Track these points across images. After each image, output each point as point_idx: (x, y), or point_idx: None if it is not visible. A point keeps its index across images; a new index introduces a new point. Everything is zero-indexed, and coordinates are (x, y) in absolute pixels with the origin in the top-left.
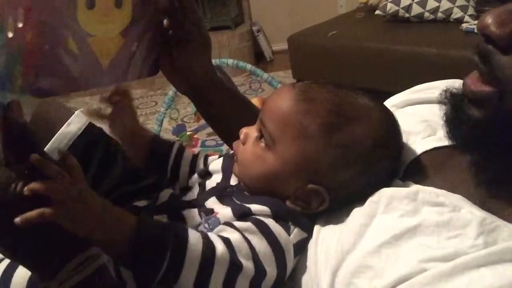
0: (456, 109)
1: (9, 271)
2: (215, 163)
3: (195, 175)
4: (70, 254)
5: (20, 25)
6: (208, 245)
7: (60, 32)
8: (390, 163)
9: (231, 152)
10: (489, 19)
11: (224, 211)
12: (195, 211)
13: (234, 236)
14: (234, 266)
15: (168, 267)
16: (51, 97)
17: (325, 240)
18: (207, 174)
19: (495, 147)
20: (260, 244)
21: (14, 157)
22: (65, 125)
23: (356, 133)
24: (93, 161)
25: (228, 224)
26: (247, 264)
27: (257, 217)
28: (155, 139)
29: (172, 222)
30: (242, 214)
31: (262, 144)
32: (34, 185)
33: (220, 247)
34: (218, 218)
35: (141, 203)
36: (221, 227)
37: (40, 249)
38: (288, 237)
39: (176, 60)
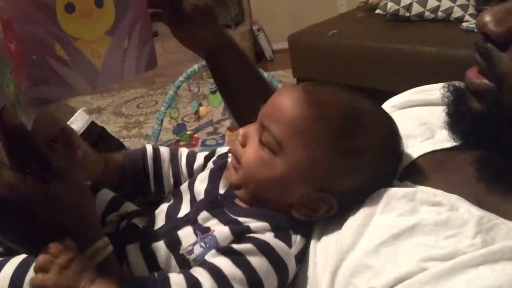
0: (458, 101)
1: (23, 269)
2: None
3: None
4: (82, 246)
5: (2, 37)
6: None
7: (45, 40)
8: (394, 167)
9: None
10: (487, 17)
11: (220, 229)
12: (190, 229)
13: (224, 262)
14: None
15: None
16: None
17: (324, 241)
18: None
19: (493, 140)
20: (260, 263)
21: (17, 159)
22: (67, 123)
23: (366, 139)
24: None
25: (224, 249)
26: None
27: (256, 235)
28: (126, 159)
29: (154, 276)
30: (241, 233)
31: (267, 149)
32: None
33: (207, 284)
34: (215, 236)
35: (141, 222)
36: (214, 252)
37: (46, 243)
38: (290, 250)
39: (186, 33)
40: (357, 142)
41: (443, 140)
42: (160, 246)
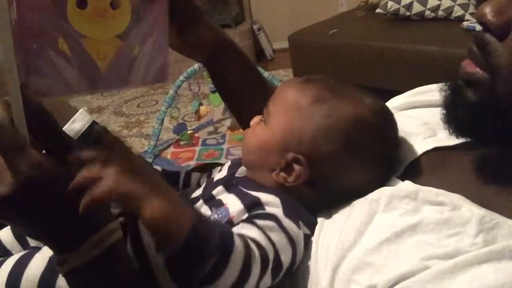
0: (454, 93)
1: (18, 269)
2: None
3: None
4: (94, 228)
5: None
6: (248, 246)
7: (49, 31)
8: (378, 148)
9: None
10: (487, 8)
11: (233, 202)
12: (205, 207)
13: (255, 233)
14: (264, 262)
15: (214, 266)
16: (45, 97)
17: (326, 239)
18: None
19: (488, 131)
20: (279, 239)
21: (38, 139)
22: (69, 122)
23: (341, 108)
24: None
25: (247, 221)
26: (271, 259)
27: (269, 211)
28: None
29: (217, 220)
30: (252, 204)
31: (262, 123)
32: (77, 180)
33: (254, 247)
34: (228, 208)
35: None
36: (240, 225)
37: (65, 223)
38: (299, 230)
39: (182, 40)
40: (330, 107)
41: (445, 138)
42: None
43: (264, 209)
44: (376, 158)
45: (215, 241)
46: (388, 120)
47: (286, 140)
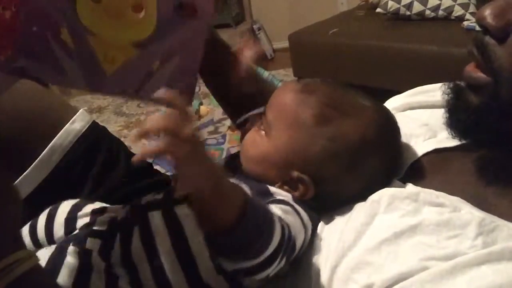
0: (456, 96)
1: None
2: None
3: None
4: None
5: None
6: (282, 223)
7: (52, 18)
8: (382, 162)
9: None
10: (487, 11)
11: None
12: None
13: (279, 212)
14: (289, 241)
15: (260, 248)
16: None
17: (327, 238)
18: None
19: (491, 134)
20: (295, 221)
21: None
22: (69, 122)
23: (346, 127)
24: (97, 159)
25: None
26: (292, 240)
27: (281, 198)
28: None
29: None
30: (262, 192)
31: (262, 131)
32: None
33: (285, 225)
34: None
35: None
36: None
37: None
38: (308, 218)
39: None
40: (335, 129)
41: (445, 139)
42: (183, 209)
43: (274, 197)
44: (380, 170)
45: (266, 212)
46: (392, 133)
47: (290, 158)
